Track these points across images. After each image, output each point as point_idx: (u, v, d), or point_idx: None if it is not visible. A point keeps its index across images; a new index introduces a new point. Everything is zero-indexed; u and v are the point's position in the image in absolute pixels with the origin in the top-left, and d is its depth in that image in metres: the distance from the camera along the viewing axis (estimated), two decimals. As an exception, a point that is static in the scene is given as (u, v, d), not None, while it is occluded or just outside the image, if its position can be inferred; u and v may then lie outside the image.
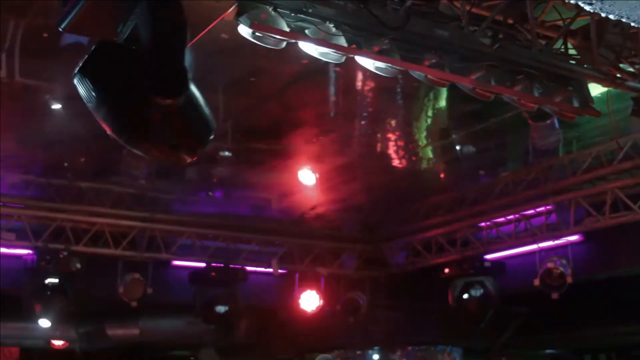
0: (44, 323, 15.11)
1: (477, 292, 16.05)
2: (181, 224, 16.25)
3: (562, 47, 8.71)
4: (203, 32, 6.16)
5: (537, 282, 14.86)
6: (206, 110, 5.44)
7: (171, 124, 5.30)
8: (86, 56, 5.32)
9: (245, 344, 18.44)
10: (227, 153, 13.72)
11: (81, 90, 5.35)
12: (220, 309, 16.37)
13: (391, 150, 14.15)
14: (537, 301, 15.90)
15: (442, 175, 15.44)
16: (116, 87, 5.31)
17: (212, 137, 5.62)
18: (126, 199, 15.64)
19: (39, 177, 14.56)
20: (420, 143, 13.96)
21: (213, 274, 16.37)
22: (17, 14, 9.03)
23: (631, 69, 9.02)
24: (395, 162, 14.60)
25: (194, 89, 5.29)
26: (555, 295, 14.81)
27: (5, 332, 15.64)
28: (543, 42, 8.66)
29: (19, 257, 15.12)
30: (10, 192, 14.72)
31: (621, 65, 8.87)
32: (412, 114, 12.97)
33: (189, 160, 5.68)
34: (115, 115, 5.35)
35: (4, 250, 14.93)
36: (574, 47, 8.88)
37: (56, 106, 11.52)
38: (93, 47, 5.35)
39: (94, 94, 5.31)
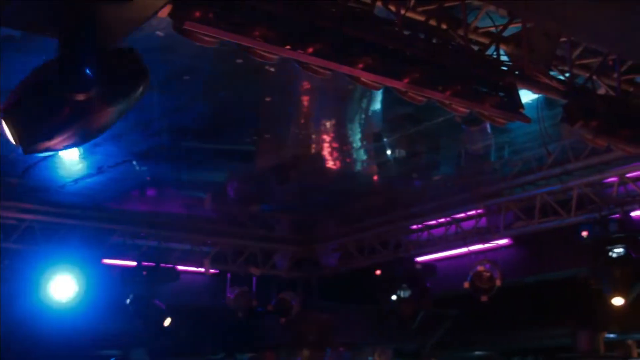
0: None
1: (408, 293, 16.16)
2: (112, 221, 16.11)
3: (495, 53, 8.81)
4: (136, 29, 6.12)
5: (467, 284, 15.03)
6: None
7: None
8: None
9: (176, 343, 18.32)
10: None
11: None
12: (152, 308, 16.26)
13: (325, 152, 14.17)
14: (466, 303, 16.09)
15: (375, 178, 15.51)
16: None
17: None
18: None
19: None
20: (354, 145, 14.00)
21: (144, 273, 16.24)
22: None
23: (561, 77, 9.17)
24: (330, 164, 14.63)
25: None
26: (484, 298, 15.00)
27: None
28: (476, 47, 8.76)
29: None
30: None
31: (551, 72, 9.01)
32: (347, 116, 13.00)
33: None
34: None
35: None
36: (506, 54, 9.00)
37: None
38: None
39: None
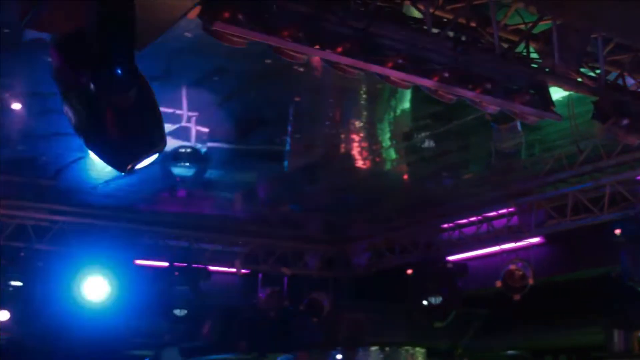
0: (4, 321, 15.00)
1: (440, 293, 16.11)
2: (144, 223, 16.19)
3: (524, 50, 8.77)
4: (165, 31, 6.15)
5: (499, 283, 14.96)
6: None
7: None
8: None
9: (208, 343, 18.40)
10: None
11: None
12: (183, 309, 16.33)
13: (355, 152, 14.16)
14: (498, 302, 16.00)
15: (405, 177, 15.47)
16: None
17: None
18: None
19: (-1, 175, 14.43)
20: (383, 144, 13.97)
21: (176, 273, 16.31)
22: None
23: (592, 74, 9.11)
24: (359, 163, 14.62)
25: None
26: (516, 297, 14.92)
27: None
28: (505, 45, 8.72)
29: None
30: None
31: (582, 69, 8.96)
32: (376, 116, 12.98)
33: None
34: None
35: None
36: (536, 51, 8.95)
37: (17, 103, 11.41)
38: None
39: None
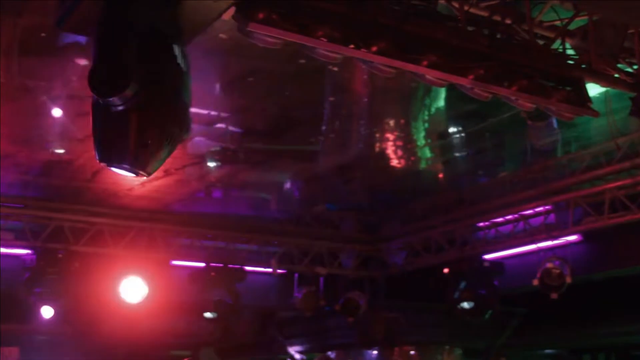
0: (45, 321, 15.12)
1: (476, 292, 16.05)
2: (180, 223, 16.28)
3: (560, 47, 8.71)
4: (201, 32, 6.17)
5: (536, 282, 14.85)
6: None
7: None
8: None
9: (244, 343, 18.47)
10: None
11: None
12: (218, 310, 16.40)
13: (389, 151, 14.14)
14: (535, 301, 15.91)
15: (440, 175, 15.43)
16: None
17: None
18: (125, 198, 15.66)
19: (37, 177, 14.56)
20: (418, 143, 13.95)
21: (212, 274, 16.38)
22: (14, 14, 9.03)
23: (629, 69, 9.03)
24: (394, 162, 14.60)
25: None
26: (554, 295, 14.80)
27: (5, 332, 15.66)
28: (541, 42, 8.67)
29: (17, 257, 15.14)
30: (9, 192, 14.73)
31: (619, 65, 8.88)
32: (411, 114, 12.96)
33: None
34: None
35: (2, 250, 14.96)
36: (572, 47, 8.89)
37: (54, 106, 11.52)
38: None
39: None
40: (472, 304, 16.07)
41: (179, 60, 5.80)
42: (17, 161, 13.74)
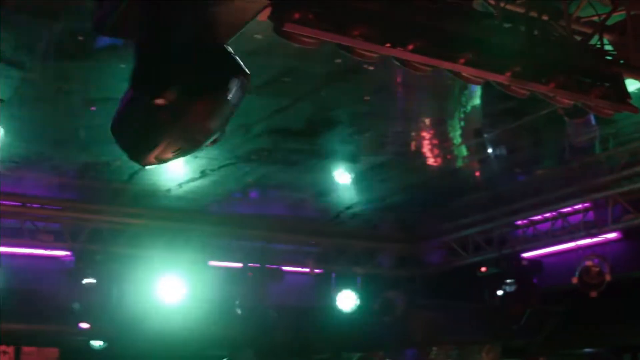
0: (83, 324, 15.22)
1: (515, 290, 15.96)
2: (217, 224, 16.33)
3: (598, 43, 8.62)
4: (236, 34, 6.17)
5: (575, 280, 14.74)
6: None
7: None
8: None
9: (282, 344, 18.46)
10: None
11: None
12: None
13: (426, 149, 14.10)
14: (575, 299, 15.79)
15: (477, 174, 15.36)
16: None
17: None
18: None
19: (75, 179, 14.67)
20: (454, 141, 13.89)
21: (249, 274, 16.42)
22: (51, 17, 9.11)
23: (669, 64, 8.92)
24: (430, 161, 14.56)
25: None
26: (593, 294, 14.68)
27: (45, 333, 15.81)
28: (578, 38, 8.59)
29: (57, 258, 15.27)
30: (48, 194, 14.87)
31: (658, 60, 8.78)
32: (446, 113, 12.91)
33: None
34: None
35: (42, 251, 15.11)
36: (610, 43, 8.79)
37: (91, 108, 11.60)
38: None
39: None
40: (510, 302, 15.98)
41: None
42: (54, 164, 13.86)
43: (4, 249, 14.79)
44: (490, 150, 14.03)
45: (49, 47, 9.75)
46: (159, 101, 5.34)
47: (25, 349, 15.85)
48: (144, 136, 5.68)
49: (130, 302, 15.81)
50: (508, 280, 15.97)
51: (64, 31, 9.43)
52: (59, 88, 11.11)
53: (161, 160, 5.73)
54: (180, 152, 5.71)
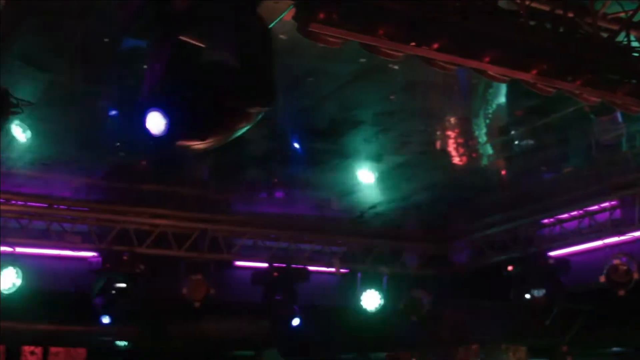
0: (110, 322, 15.31)
1: (541, 289, 15.86)
2: (243, 224, 16.36)
3: (625, 39, 8.57)
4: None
5: (602, 279, 14.63)
6: None
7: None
8: None
9: (308, 343, 18.46)
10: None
11: None
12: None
13: (451, 148, 14.06)
14: (602, 298, 15.67)
15: (503, 172, 15.29)
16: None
17: None
18: (188, 200, 15.78)
19: (102, 181, 14.75)
20: (480, 140, 13.84)
21: (275, 274, 16.43)
22: (77, 19, 9.16)
23: (696, 61, 8.85)
24: (456, 160, 14.51)
25: None
26: (621, 292, 14.57)
27: (72, 334, 15.90)
28: (605, 35, 8.54)
29: (84, 259, 15.36)
30: (75, 196, 14.95)
31: (686, 56, 8.71)
32: (472, 111, 12.87)
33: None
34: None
35: (69, 252, 15.20)
36: (637, 40, 8.74)
37: (117, 110, 11.67)
38: None
39: None
40: (537, 301, 15.90)
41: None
42: (82, 165, 13.94)
43: (32, 250, 14.90)
44: (516, 143, 13.97)
45: (76, 49, 9.81)
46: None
47: (53, 349, 15.92)
48: (202, 126, 6.05)
49: (157, 302, 15.88)
50: (536, 285, 15.86)
51: (90, 33, 9.49)
52: (87, 90, 11.17)
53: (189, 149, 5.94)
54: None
